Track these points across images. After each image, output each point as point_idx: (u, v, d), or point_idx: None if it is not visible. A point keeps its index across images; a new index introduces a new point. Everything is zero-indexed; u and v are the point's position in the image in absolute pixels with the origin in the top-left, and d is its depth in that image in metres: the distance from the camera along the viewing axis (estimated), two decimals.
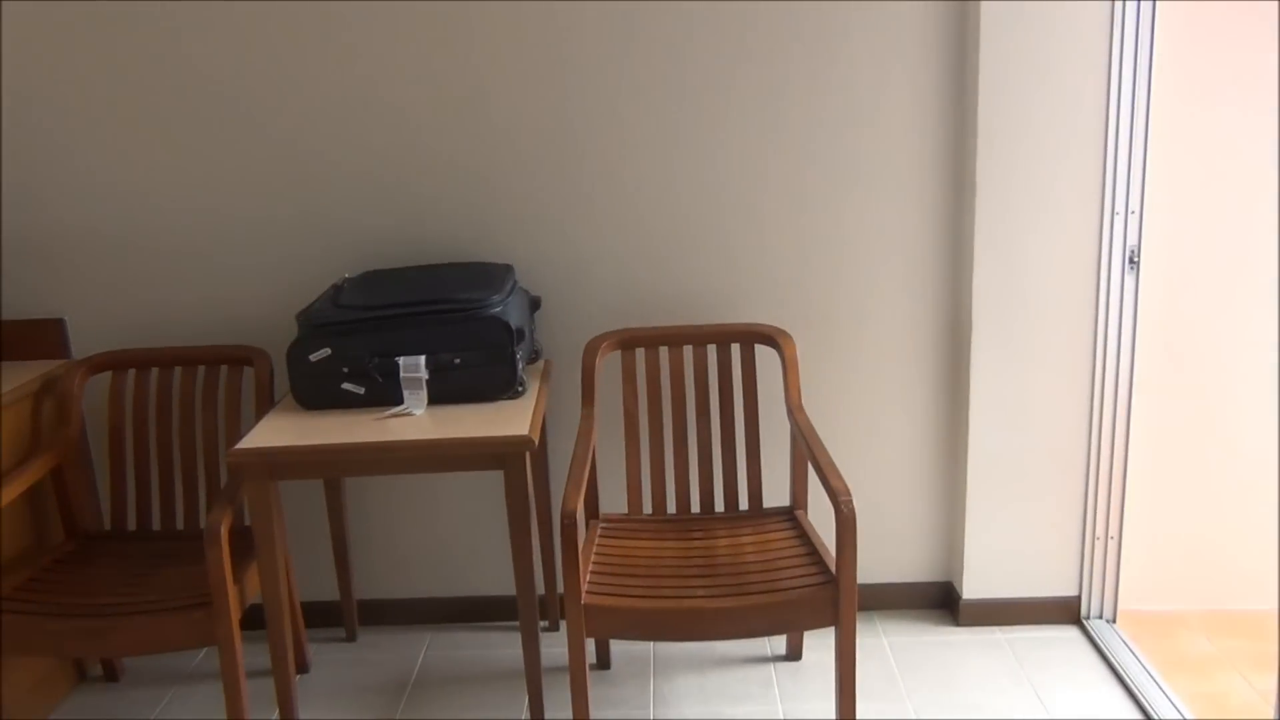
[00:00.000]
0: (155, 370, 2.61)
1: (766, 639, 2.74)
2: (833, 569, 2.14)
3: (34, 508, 2.56)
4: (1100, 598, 2.77)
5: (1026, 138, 2.48)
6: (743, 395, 2.58)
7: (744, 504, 2.60)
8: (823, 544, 2.29)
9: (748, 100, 2.55)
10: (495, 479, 2.81)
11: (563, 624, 2.85)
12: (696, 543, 2.38)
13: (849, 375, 2.72)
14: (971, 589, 2.77)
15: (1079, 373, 2.62)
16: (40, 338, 2.70)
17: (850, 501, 2.04)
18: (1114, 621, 2.77)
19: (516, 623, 2.89)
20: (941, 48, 2.51)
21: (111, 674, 2.73)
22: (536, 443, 2.16)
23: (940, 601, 2.88)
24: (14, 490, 2.37)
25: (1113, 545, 2.72)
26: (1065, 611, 2.77)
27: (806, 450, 2.32)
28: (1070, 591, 2.76)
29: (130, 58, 2.55)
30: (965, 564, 2.75)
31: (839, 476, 2.13)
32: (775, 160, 2.58)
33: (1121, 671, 2.54)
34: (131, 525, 2.64)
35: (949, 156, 2.58)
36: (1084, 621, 2.77)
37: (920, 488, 2.80)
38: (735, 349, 2.58)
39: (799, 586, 2.11)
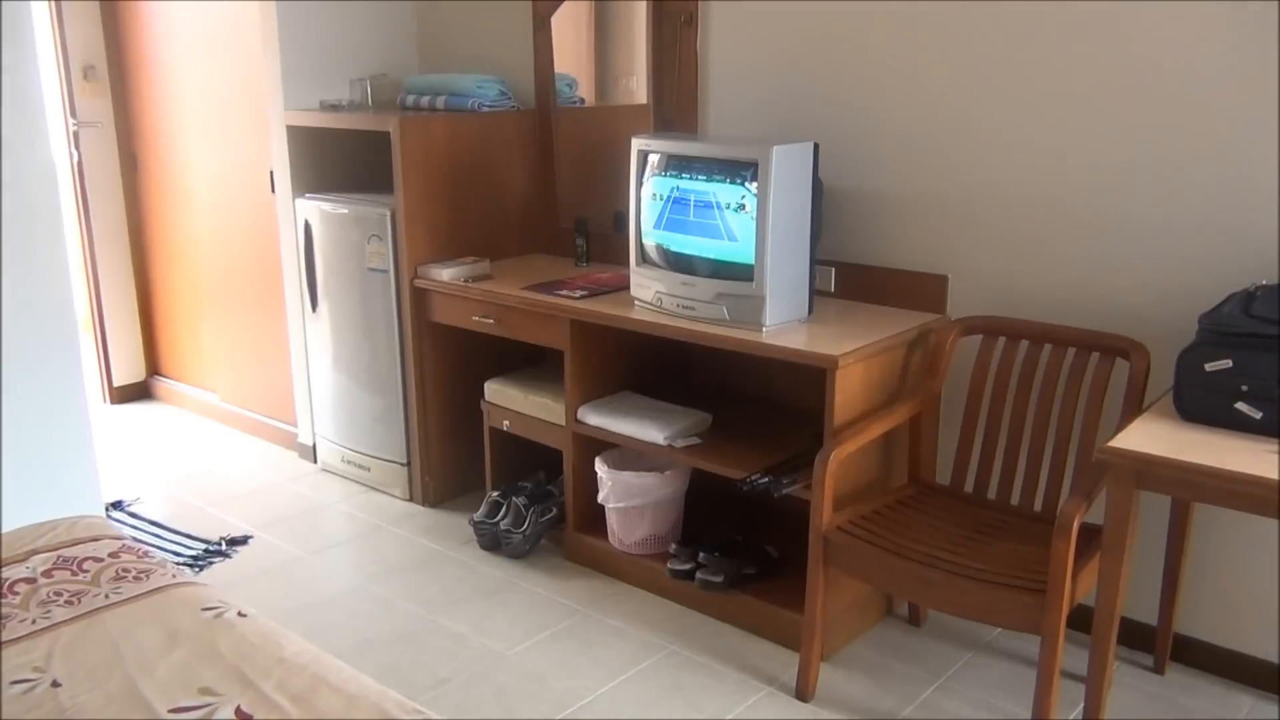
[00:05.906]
0: (1024, 342, 2.60)
1: None
2: None
3: (886, 448, 2.73)
4: None
5: None
6: None
7: None
8: None
9: None
10: None
11: None
12: None
13: None
14: None
15: None
16: (923, 291, 2.85)
17: None
18: None
19: None
20: None
21: (915, 619, 2.85)
22: None
23: None
24: (879, 428, 2.55)
25: None
26: None
27: None
28: None
29: (1050, 37, 2.53)
30: None
31: None
32: None
33: None
34: (968, 487, 2.68)
35: None
36: None
37: None
38: None
39: None
